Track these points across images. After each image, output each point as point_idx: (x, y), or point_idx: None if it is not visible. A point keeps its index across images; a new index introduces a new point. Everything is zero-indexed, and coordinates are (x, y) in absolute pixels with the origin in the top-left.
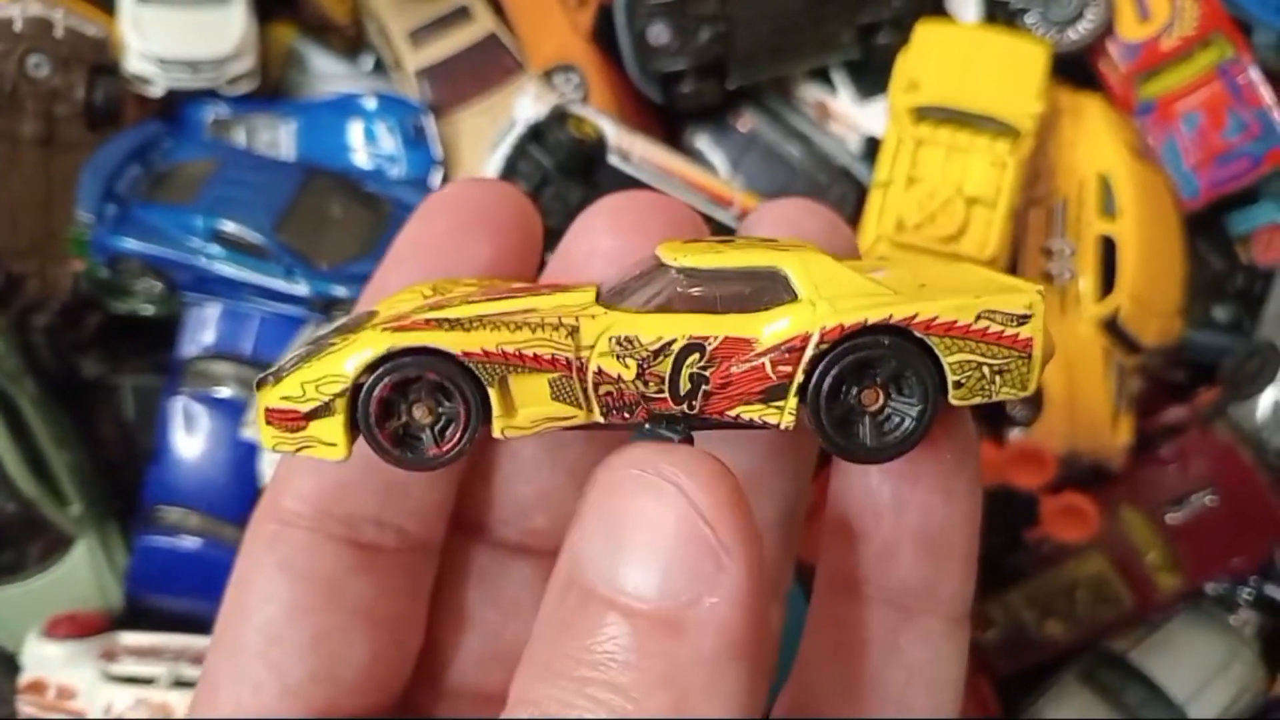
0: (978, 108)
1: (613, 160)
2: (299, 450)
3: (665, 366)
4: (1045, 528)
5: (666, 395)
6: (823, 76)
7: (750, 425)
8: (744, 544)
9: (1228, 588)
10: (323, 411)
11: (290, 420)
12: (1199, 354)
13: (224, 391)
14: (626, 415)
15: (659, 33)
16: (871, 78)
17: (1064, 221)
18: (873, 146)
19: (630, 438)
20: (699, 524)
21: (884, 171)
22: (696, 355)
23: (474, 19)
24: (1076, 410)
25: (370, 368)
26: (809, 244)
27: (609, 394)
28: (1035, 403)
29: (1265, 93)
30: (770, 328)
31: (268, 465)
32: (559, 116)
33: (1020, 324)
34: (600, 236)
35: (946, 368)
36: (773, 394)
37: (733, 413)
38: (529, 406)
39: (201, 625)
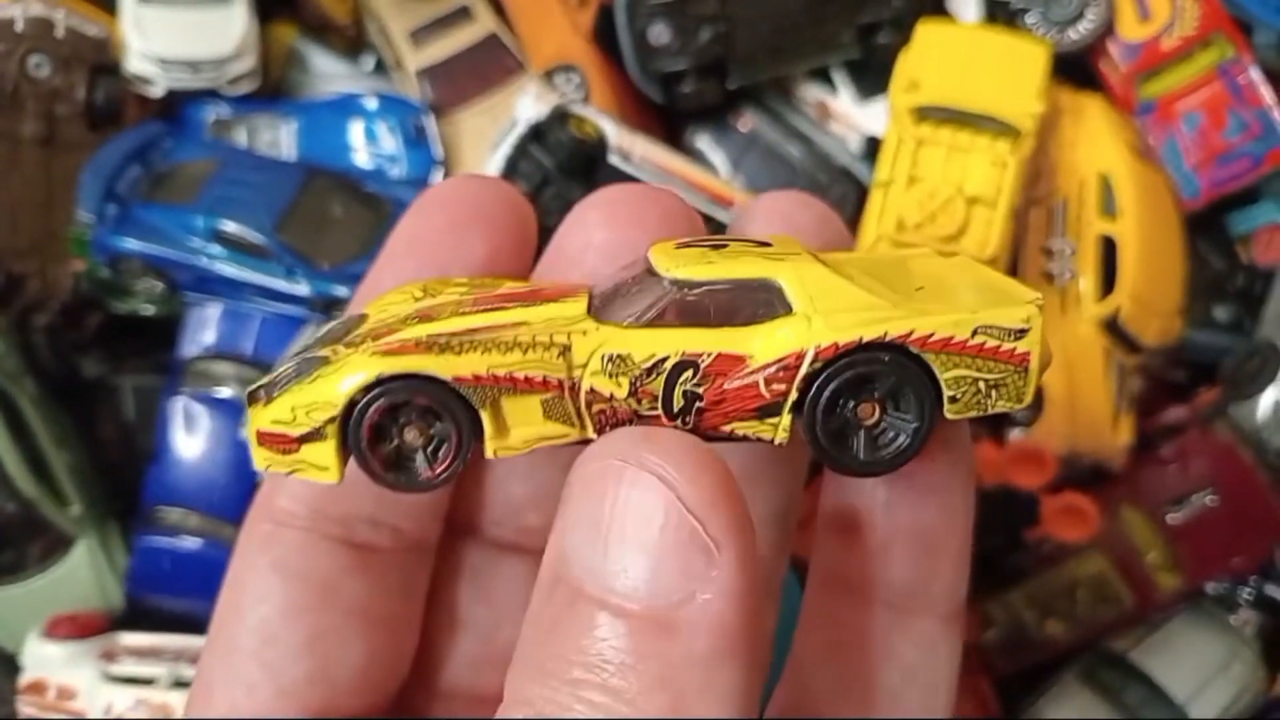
0: (978, 107)
1: (613, 160)
2: (291, 472)
3: (658, 384)
4: (1046, 527)
5: (660, 413)
6: (823, 76)
7: (744, 439)
8: (735, 537)
9: (1228, 587)
10: (314, 436)
11: (282, 443)
12: (1199, 354)
13: (224, 391)
14: None
15: (659, 33)
16: (872, 78)
17: (1064, 221)
18: (873, 146)
19: None
20: (687, 517)
21: (884, 171)
22: (690, 373)
23: (475, 19)
24: (1077, 410)
25: (360, 393)
26: (804, 251)
27: (602, 412)
28: (1036, 403)
29: (1266, 93)
30: (764, 344)
31: None
32: (560, 116)
33: (1017, 338)
34: (594, 230)
35: (942, 383)
36: (767, 411)
37: (726, 428)
38: (521, 427)
39: (202, 625)
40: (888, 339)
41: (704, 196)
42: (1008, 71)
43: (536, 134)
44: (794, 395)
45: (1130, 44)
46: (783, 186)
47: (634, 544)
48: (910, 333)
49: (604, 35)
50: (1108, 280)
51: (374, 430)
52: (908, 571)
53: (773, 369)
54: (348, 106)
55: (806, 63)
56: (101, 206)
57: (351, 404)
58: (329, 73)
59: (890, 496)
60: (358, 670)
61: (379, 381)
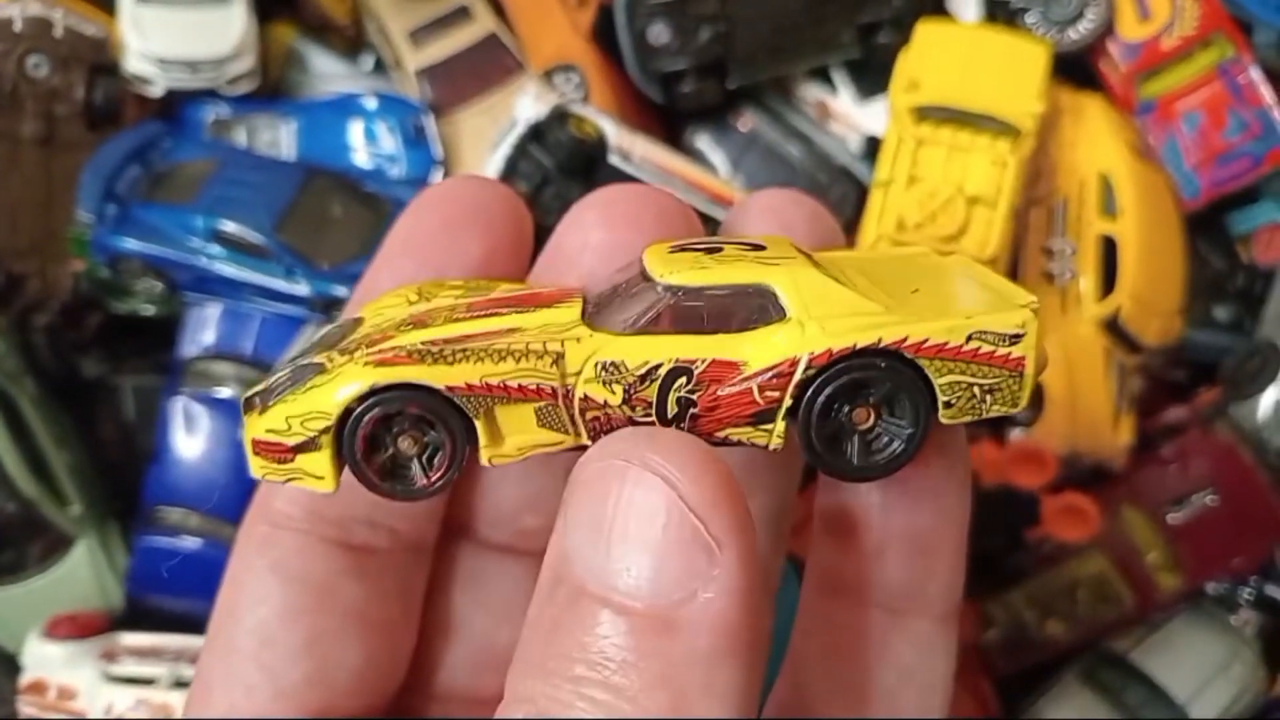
0: (978, 107)
1: (613, 160)
2: (287, 481)
3: (652, 391)
4: (1046, 527)
5: (654, 419)
6: (823, 76)
7: (739, 444)
8: (737, 536)
9: (1228, 588)
10: (309, 446)
11: (277, 452)
12: (1199, 354)
13: (224, 392)
14: None
15: (659, 32)
16: (872, 77)
17: (1065, 221)
18: (873, 146)
19: None
20: (689, 516)
21: (885, 171)
22: (683, 379)
23: (474, 19)
24: (1077, 410)
25: (354, 404)
26: (798, 254)
27: (596, 419)
28: (1036, 403)
29: (1266, 92)
30: (758, 350)
31: None
32: (559, 116)
33: (1012, 343)
34: (590, 230)
35: (937, 389)
36: (761, 417)
37: (721, 434)
38: (515, 435)
39: (202, 625)
40: (882, 345)
41: (704, 196)
42: (1008, 71)
43: (536, 134)
44: (788, 402)
45: (1130, 44)
46: (782, 186)
47: (636, 543)
48: (905, 339)
49: (604, 35)
50: (1108, 280)
51: (368, 440)
52: (903, 574)
53: (766, 376)
54: (347, 106)
55: (806, 62)
56: (101, 206)
57: (346, 413)
58: (328, 73)
59: (885, 500)
60: (355, 672)
61: (373, 391)
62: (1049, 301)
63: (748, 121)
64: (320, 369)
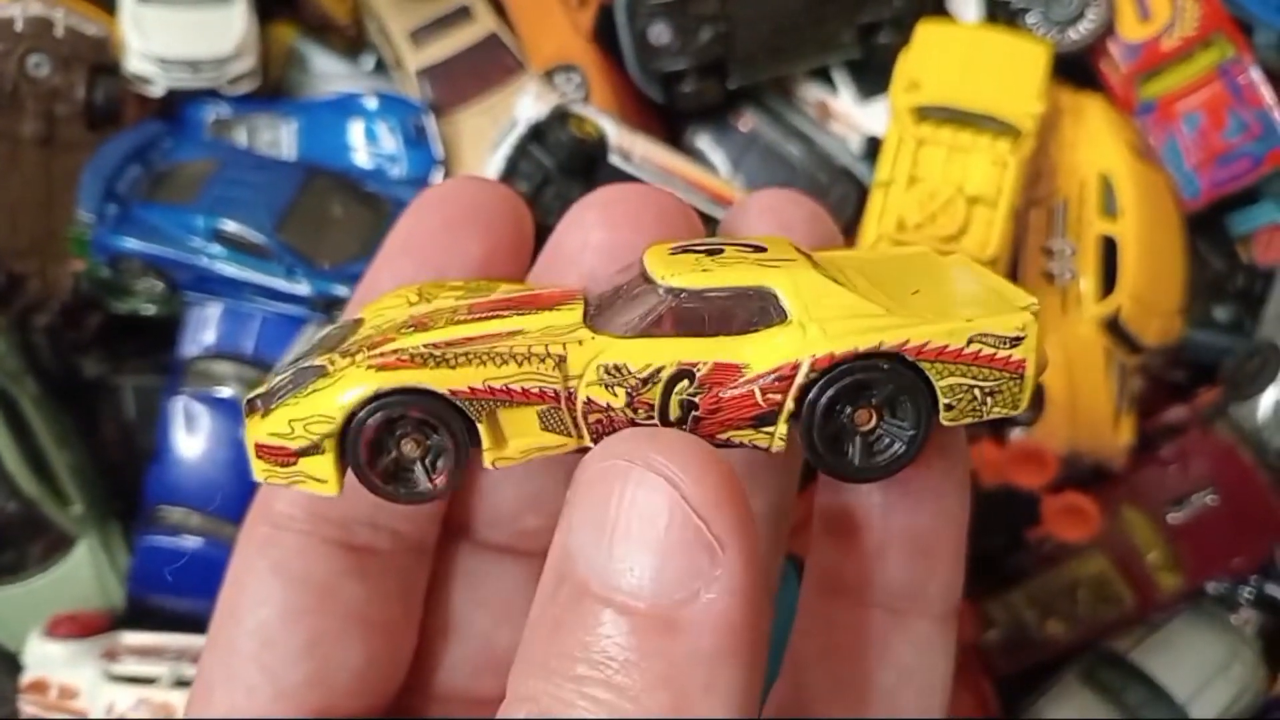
0: (979, 107)
1: (614, 160)
2: (291, 484)
3: (654, 394)
4: (1046, 527)
5: (657, 421)
6: (824, 76)
7: (741, 446)
8: (739, 536)
9: (1228, 587)
10: (312, 450)
11: (280, 456)
12: (1200, 354)
13: (225, 391)
14: None
15: (660, 32)
16: (872, 77)
17: (1065, 221)
18: (874, 146)
19: None
20: (691, 516)
21: (885, 171)
22: (686, 382)
23: (475, 19)
24: (1078, 410)
25: (357, 408)
26: (798, 256)
27: (599, 421)
28: (1036, 403)
29: (1266, 93)
30: (759, 353)
31: None
32: (560, 116)
33: (1013, 346)
34: (591, 230)
35: (938, 391)
36: (763, 420)
37: (723, 436)
38: (518, 438)
39: (203, 625)
40: (883, 349)
41: (704, 196)
42: (1008, 71)
43: (537, 134)
44: (790, 405)
45: (1130, 44)
46: (782, 186)
47: (639, 543)
48: (906, 342)
49: (604, 35)
50: (1108, 280)
51: (372, 444)
52: (903, 574)
53: (768, 379)
54: (348, 106)
55: (807, 62)
56: (101, 206)
57: (349, 417)
58: (329, 72)
59: (886, 500)
60: (356, 673)
61: (376, 396)
62: (1049, 301)
63: (748, 121)
64: (322, 371)
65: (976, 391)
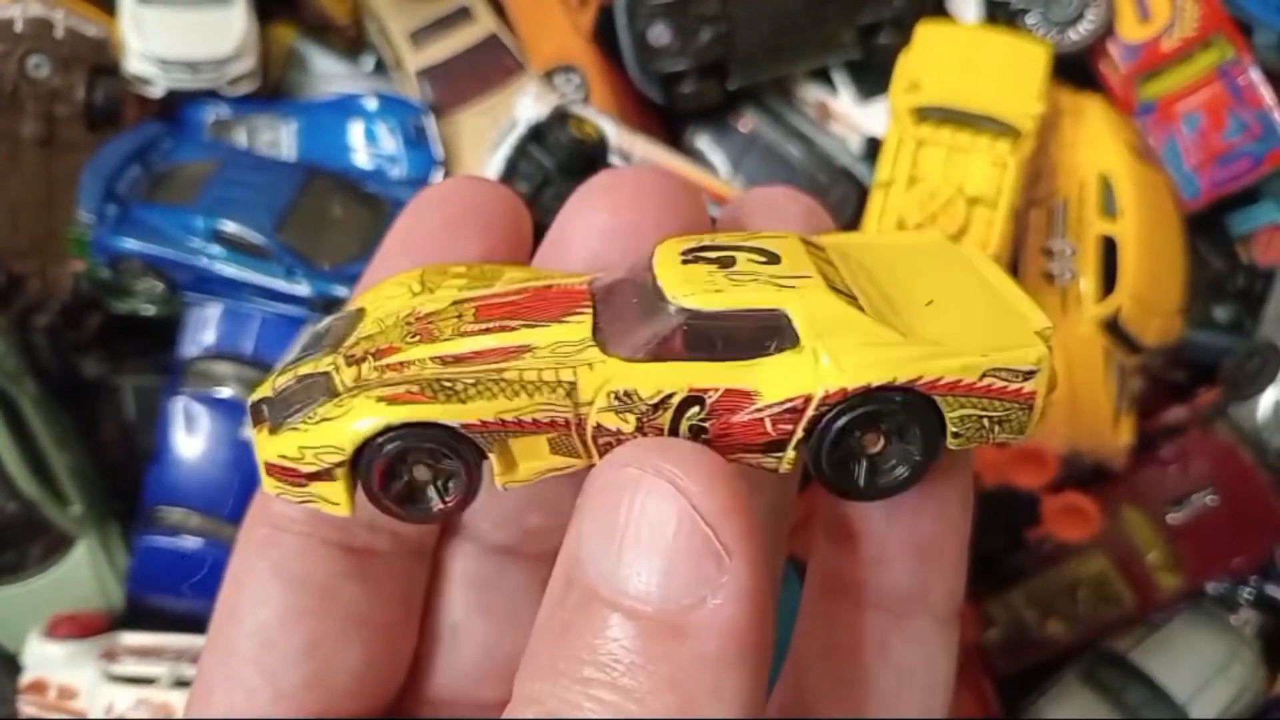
0: (979, 108)
1: (614, 160)
2: (302, 502)
3: (665, 419)
4: (1047, 527)
5: None
6: (824, 77)
7: (748, 466)
8: (745, 544)
9: (1228, 587)
10: (324, 476)
11: (291, 477)
12: (1199, 354)
13: (225, 392)
14: None
15: (660, 33)
16: (872, 78)
17: (1065, 222)
18: (874, 147)
19: None
20: (699, 524)
21: (885, 172)
22: (696, 408)
23: (475, 19)
24: (1078, 410)
25: (368, 440)
26: (814, 273)
27: (608, 444)
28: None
29: (1266, 93)
30: (771, 381)
31: None
32: (560, 117)
33: (1026, 379)
34: (594, 214)
35: (948, 421)
36: (772, 447)
37: (732, 458)
38: (529, 461)
39: (203, 625)
40: (897, 384)
41: (704, 197)
42: (1008, 72)
43: (536, 134)
44: (800, 434)
45: (1130, 45)
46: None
47: (648, 549)
48: (920, 377)
49: (604, 36)
50: (1108, 280)
51: (384, 473)
52: (905, 578)
53: (779, 410)
54: (348, 107)
55: (807, 63)
56: (101, 207)
57: (360, 448)
58: (329, 73)
59: (888, 507)
60: (355, 674)
61: (386, 429)
62: (1049, 302)
63: (748, 122)
64: (328, 386)
65: (985, 421)
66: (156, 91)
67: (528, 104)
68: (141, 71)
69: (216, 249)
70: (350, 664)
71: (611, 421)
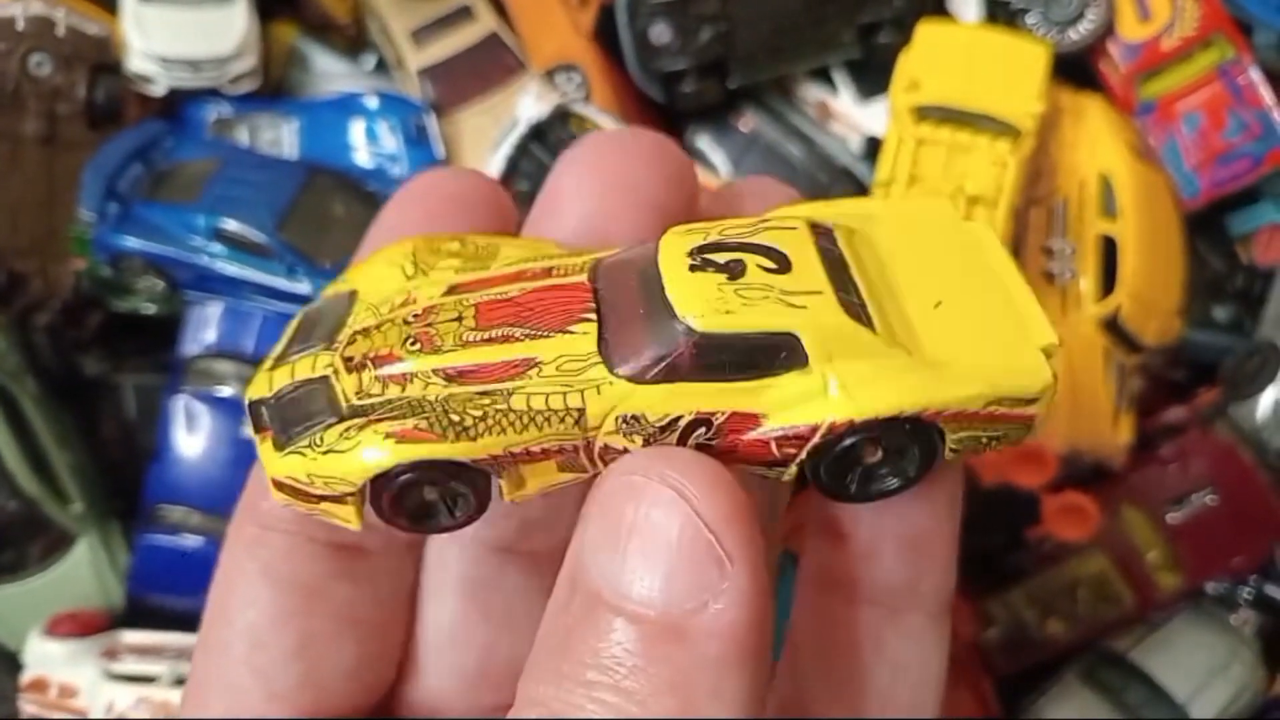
0: (979, 107)
1: None
2: (312, 514)
3: (671, 439)
4: (1046, 526)
5: None
6: (824, 76)
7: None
8: (746, 551)
9: (1228, 587)
10: (334, 499)
11: (301, 495)
12: (1199, 354)
13: (226, 390)
14: None
15: (661, 32)
16: (872, 77)
17: (1065, 221)
18: (874, 146)
19: None
20: (702, 531)
21: (885, 171)
22: (703, 429)
23: (476, 18)
24: (1078, 409)
25: (378, 475)
26: (827, 293)
27: (614, 459)
28: None
29: (1266, 93)
30: (778, 404)
31: None
32: (561, 116)
33: (1029, 404)
34: (585, 171)
35: (949, 441)
36: (776, 464)
37: (734, 469)
38: (537, 479)
39: None
40: (903, 416)
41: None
42: (1008, 71)
43: (538, 133)
44: (803, 456)
45: (1130, 44)
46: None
47: (652, 555)
48: (926, 408)
49: (605, 35)
50: (1108, 280)
51: (395, 499)
52: (896, 572)
53: (784, 434)
54: (349, 106)
55: (807, 62)
56: (103, 205)
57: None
58: (330, 72)
59: (877, 502)
60: (348, 673)
61: (396, 467)
62: (1049, 301)
63: (748, 121)
64: (329, 398)
65: (984, 439)
66: (158, 90)
67: (529, 103)
68: (143, 70)
69: (218, 247)
70: (342, 663)
71: (620, 443)
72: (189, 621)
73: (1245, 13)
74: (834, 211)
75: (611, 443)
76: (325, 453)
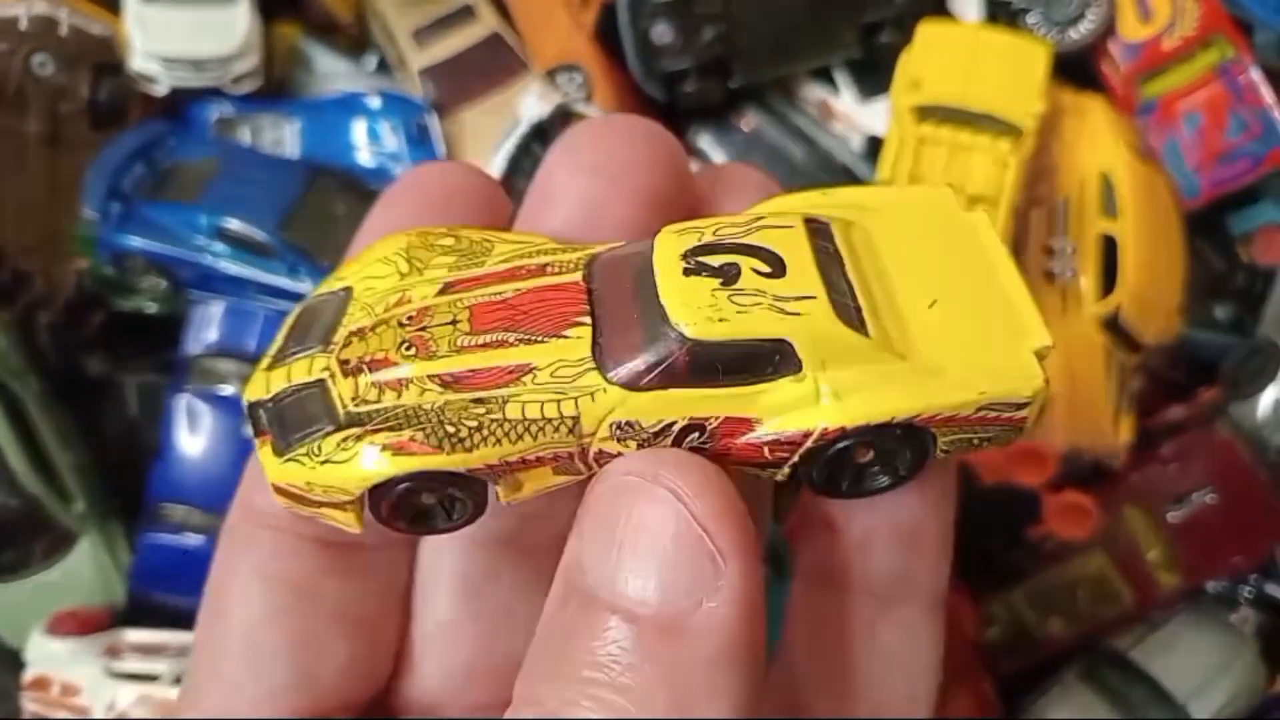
0: (980, 107)
1: None
2: (312, 517)
3: (665, 444)
4: (1047, 525)
5: None
6: (825, 76)
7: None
8: (740, 548)
9: (1228, 586)
10: (333, 505)
11: (301, 500)
12: (1200, 353)
13: (228, 389)
14: None
15: (662, 32)
16: (874, 77)
17: (1065, 220)
18: (875, 146)
19: None
20: (696, 530)
21: (886, 170)
22: (696, 434)
23: (478, 18)
24: (1078, 408)
25: (376, 485)
26: (821, 298)
27: (609, 462)
28: None
29: (1266, 93)
30: (771, 409)
31: None
32: (563, 115)
33: (1019, 409)
34: (578, 158)
35: (940, 444)
36: (768, 465)
37: (726, 467)
38: (533, 483)
39: None
40: (895, 422)
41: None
42: (1009, 71)
43: (540, 133)
44: (795, 459)
45: (1131, 44)
46: (784, 186)
47: (646, 554)
48: (918, 415)
49: (607, 34)
50: (1108, 279)
51: (393, 506)
52: (889, 563)
53: (778, 439)
54: (351, 105)
55: (809, 62)
56: (106, 204)
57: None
58: (332, 72)
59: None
60: (343, 670)
61: (394, 477)
62: (1049, 301)
63: (750, 121)
64: (326, 403)
65: (975, 440)
66: (160, 90)
67: (531, 102)
68: (146, 70)
69: (220, 246)
70: (337, 659)
71: (614, 448)
72: (190, 620)
73: (1245, 13)
74: (831, 202)
75: (606, 448)
76: (323, 462)
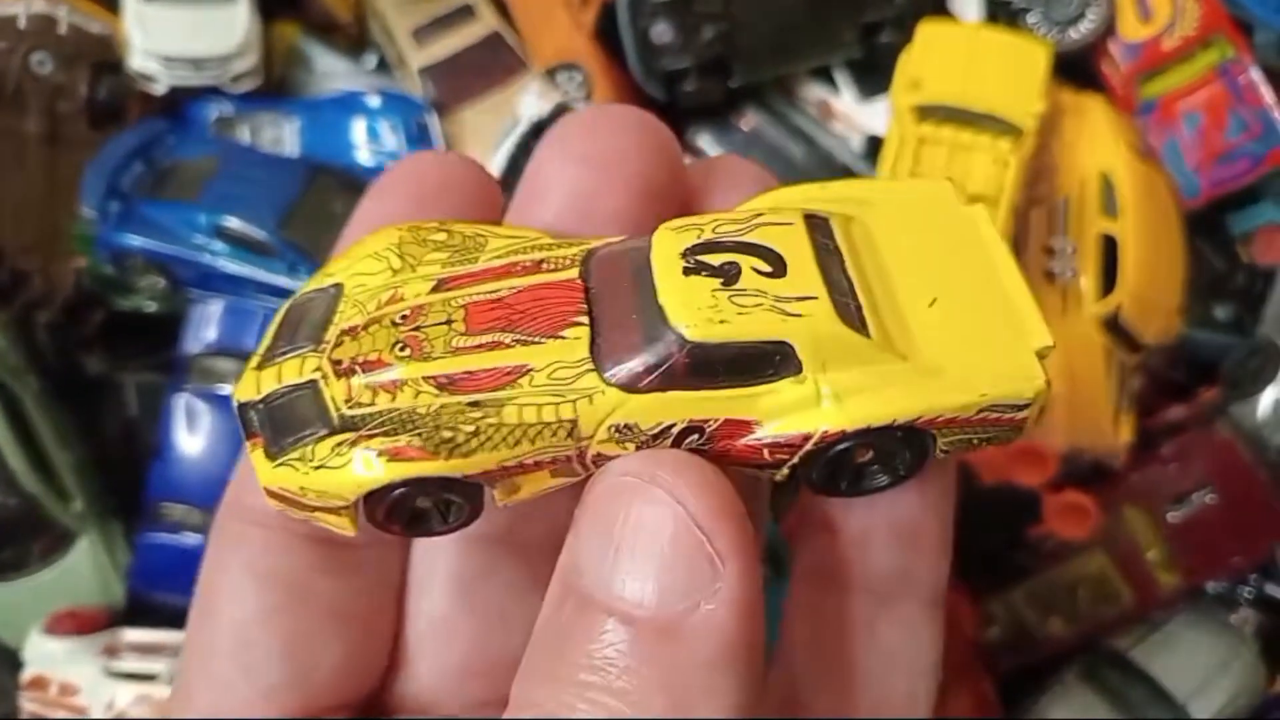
0: (980, 106)
1: None
2: (306, 520)
3: (664, 445)
4: (1047, 525)
5: None
6: (825, 75)
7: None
8: (738, 550)
9: (1228, 586)
10: (327, 509)
11: (295, 504)
12: (1200, 353)
13: (227, 388)
14: None
15: (662, 31)
16: (874, 77)
17: (1066, 220)
18: (875, 145)
19: None
20: (694, 531)
21: (886, 170)
22: (696, 436)
23: (477, 17)
24: (1078, 408)
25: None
26: (822, 299)
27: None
28: None
29: (1266, 93)
30: (770, 412)
31: None
32: (562, 114)
33: (1020, 410)
34: (570, 147)
35: (940, 444)
36: (768, 466)
37: (726, 470)
38: (531, 485)
39: None
40: (896, 425)
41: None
42: (1009, 71)
43: (539, 132)
44: (795, 461)
45: (1131, 44)
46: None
47: (644, 555)
48: (919, 417)
49: (606, 33)
50: (1109, 279)
51: (389, 510)
52: (888, 561)
53: (778, 441)
54: (350, 104)
55: (809, 61)
56: (105, 203)
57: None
58: (332, 71)
59: None
60: (336, 668)
61: (390, 484)
62: (1050, 300)
63: (750, 120)
64: (318, 405)
65: (974, 440)
66: (160, 88)
67: (530, 101)
68: (145, 68)
69: (219, 245)
70: (330, 658)
71: (613, 450)
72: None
73: (1245, 13)
74: (829, 196)
75: (605, 450)
76: (317, 467)
